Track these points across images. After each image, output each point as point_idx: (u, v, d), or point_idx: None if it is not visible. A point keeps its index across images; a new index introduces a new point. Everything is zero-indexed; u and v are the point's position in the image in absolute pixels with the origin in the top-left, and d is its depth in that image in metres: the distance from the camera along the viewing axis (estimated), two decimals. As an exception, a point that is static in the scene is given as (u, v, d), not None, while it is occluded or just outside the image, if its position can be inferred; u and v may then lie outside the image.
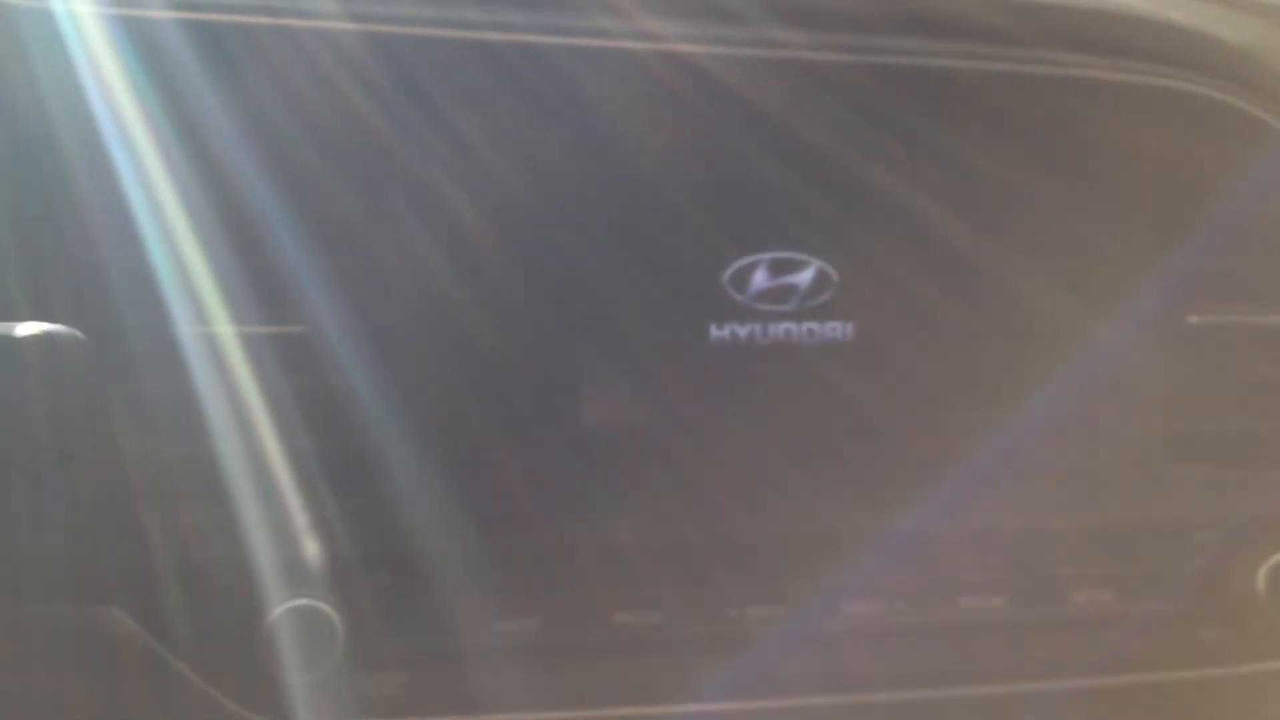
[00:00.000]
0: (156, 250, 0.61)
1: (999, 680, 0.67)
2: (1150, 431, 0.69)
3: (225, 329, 0.62)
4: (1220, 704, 0.70)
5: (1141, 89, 0.68)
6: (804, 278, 0.67)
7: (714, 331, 0.66)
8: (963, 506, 0.68)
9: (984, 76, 0.67)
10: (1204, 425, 0.70)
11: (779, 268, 0.67)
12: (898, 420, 0.67)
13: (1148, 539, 0.68)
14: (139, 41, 0.60)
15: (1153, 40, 0.68)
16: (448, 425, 0.63)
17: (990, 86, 0.67)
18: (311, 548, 0.61)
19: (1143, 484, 0.69)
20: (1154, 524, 0.68)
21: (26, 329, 0.58)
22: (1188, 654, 0.69)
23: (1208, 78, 0.68)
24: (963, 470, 0.68)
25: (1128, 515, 0.68)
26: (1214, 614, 0.69)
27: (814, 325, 0.67)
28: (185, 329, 0.61)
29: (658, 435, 0.66)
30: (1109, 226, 0.69)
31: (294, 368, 0.62)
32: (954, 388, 0.67)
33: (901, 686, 0.66)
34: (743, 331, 0.66)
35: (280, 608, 0.59)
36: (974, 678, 0.67)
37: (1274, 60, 0.70)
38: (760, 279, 0.67)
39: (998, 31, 0.67)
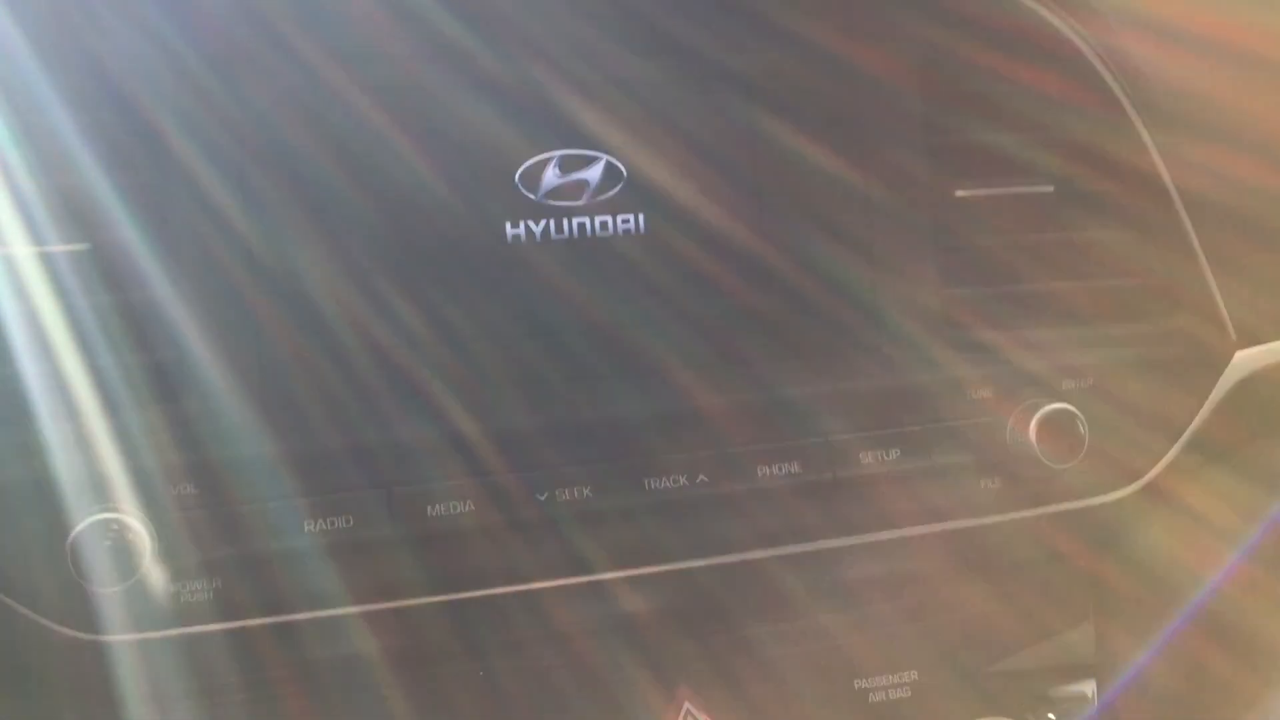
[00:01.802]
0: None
1: (800, 541, 0.71)
2: (929, 300, 0.73)
3: (13, 249, 0.61)
4: (1000, 551, 0.75)
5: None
6: (593, 173, 0.69)
7: (509, 229, 0.68)
8: (757, 379, 0.71)
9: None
10: (977, 291, 0.74)
11: (569, 164, 0.69)
12: (691, 304, 0.70)
13: (927, 398, 0.73)
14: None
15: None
16: (243, 334, 0.64)
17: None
18: (112, 462, 0.62)
19: (924, 348, 0.73)
20: (934, 384, 0.73)
21: None
22: (972, 504, 0.73)
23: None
24: (751, 345, 0.71)
25: (910, 377, 0.72)
26: (993, 465, 0.73)
27: (606, 218, 0.69)
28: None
29: (458, 334, 0.68)
30: (881, 111, 0.72)
31: (85, 284, 0.62)
32: (742, 268, 0.71)
33: (708, 554, 0.70)
34: (537, 228, 0.68)
35: (83, 522, 0.60)
36: (773, 542, 0.71)
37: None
38: (551, 177, 0.69)
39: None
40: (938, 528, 0.73)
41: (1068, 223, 0.76)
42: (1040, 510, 0.74)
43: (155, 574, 0.62)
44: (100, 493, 0.61)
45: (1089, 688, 0.80)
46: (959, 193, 0.73)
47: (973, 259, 0.74)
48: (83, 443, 0.62)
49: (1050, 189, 0.75)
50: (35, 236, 0.62)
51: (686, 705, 0.72)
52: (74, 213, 0.63)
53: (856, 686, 0.74)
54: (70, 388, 0.62)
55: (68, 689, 0.64)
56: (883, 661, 0.75)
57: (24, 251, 0.62)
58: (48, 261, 0.62)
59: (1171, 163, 0.76)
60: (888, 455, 0.72)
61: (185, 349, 0.64)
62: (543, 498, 0.67)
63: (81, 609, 0.62)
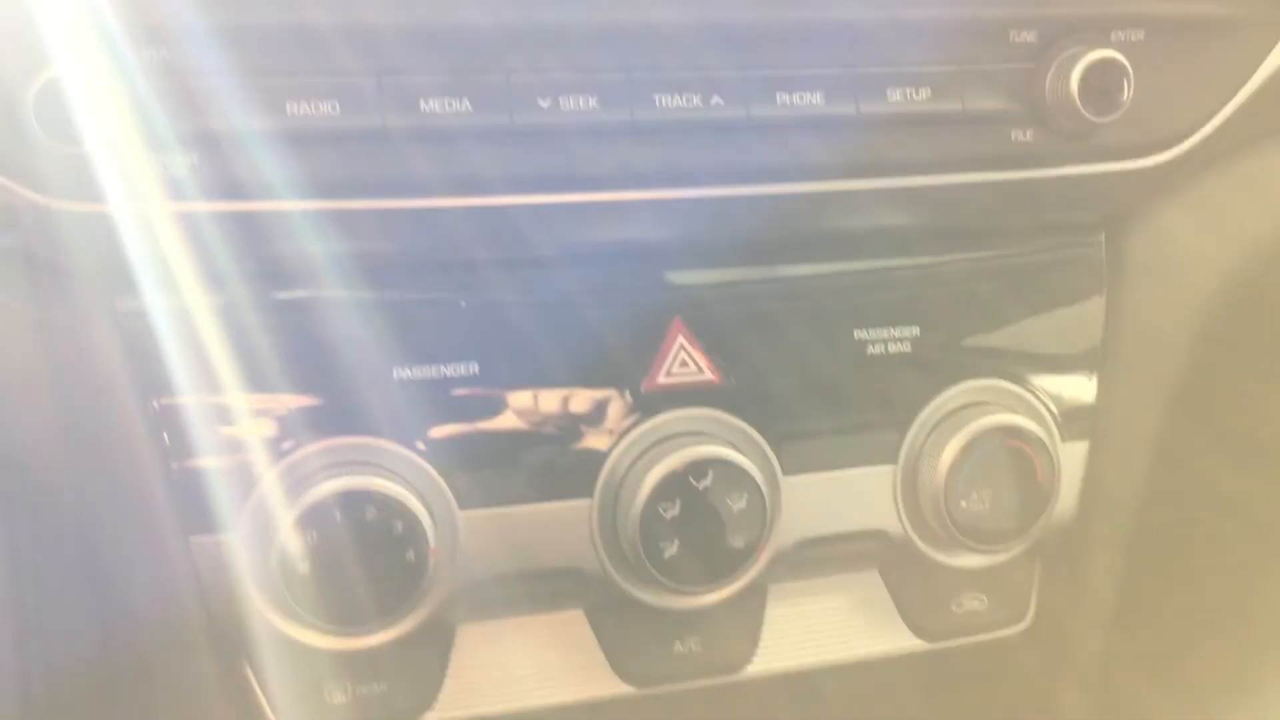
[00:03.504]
0: None
1: (816, 178, 0.67)
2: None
3: None
4: (1027, 208, 0.72)
5: None
6: None
7: None
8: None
9: None
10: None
11: None
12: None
13: (965, 36, 0.67)
14: None
15: None
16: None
17: None
18: (82, 19, 0.56)
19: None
20: (974, 23, 0.67)
21: None
22: (999, 156, 0.69)
23: None
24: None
25: (949, 12, 0.67)
26: (1028, 116, 0.69)
27: None
28: None
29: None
30: None
31: None
32: None
33: (714, 183, 0.66)
34: None
35: (47, 76, 0.55)
36: (784, 177, 0.67)
37: None
38: None
39: None
40: (961, 178, 0.69)
41: None
42: (1068, 169, 0.70)
43: (128, 141, 0.57)
44: (68, 51, 0.56)
45: (1089, 390, 0.77)
46: None
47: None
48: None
49: None
50: None
51: (680, 339, 0.69)
52: None
53: (856, 337, 0.72)
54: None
55: (59, 264, 0.61)
56: (885, 314, 0.72)
57: None
58: None
59: None
60: (917, 94, 0.67)
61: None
62: (545, 104, 0.62)
63: (59, 175, 0.57)
